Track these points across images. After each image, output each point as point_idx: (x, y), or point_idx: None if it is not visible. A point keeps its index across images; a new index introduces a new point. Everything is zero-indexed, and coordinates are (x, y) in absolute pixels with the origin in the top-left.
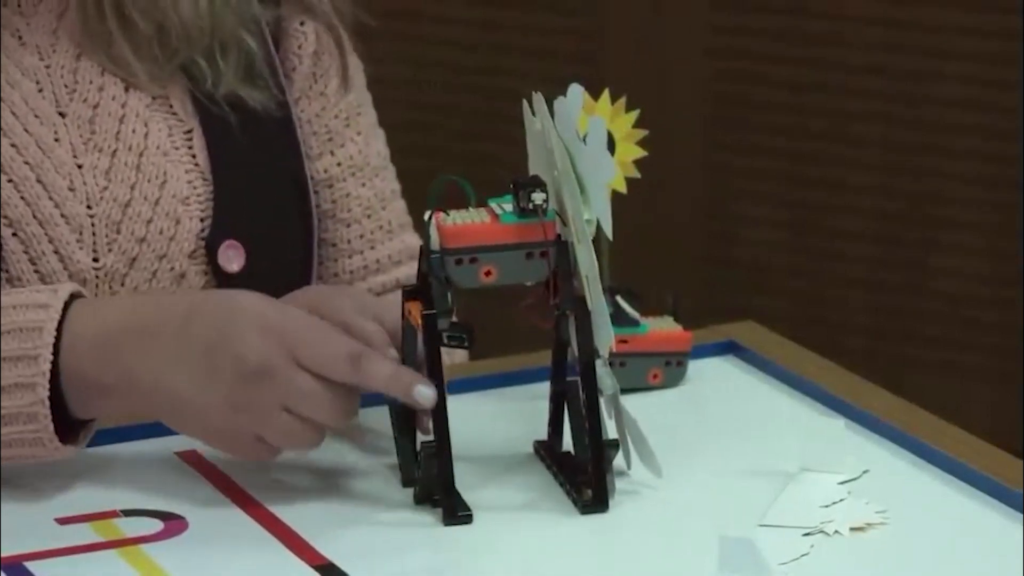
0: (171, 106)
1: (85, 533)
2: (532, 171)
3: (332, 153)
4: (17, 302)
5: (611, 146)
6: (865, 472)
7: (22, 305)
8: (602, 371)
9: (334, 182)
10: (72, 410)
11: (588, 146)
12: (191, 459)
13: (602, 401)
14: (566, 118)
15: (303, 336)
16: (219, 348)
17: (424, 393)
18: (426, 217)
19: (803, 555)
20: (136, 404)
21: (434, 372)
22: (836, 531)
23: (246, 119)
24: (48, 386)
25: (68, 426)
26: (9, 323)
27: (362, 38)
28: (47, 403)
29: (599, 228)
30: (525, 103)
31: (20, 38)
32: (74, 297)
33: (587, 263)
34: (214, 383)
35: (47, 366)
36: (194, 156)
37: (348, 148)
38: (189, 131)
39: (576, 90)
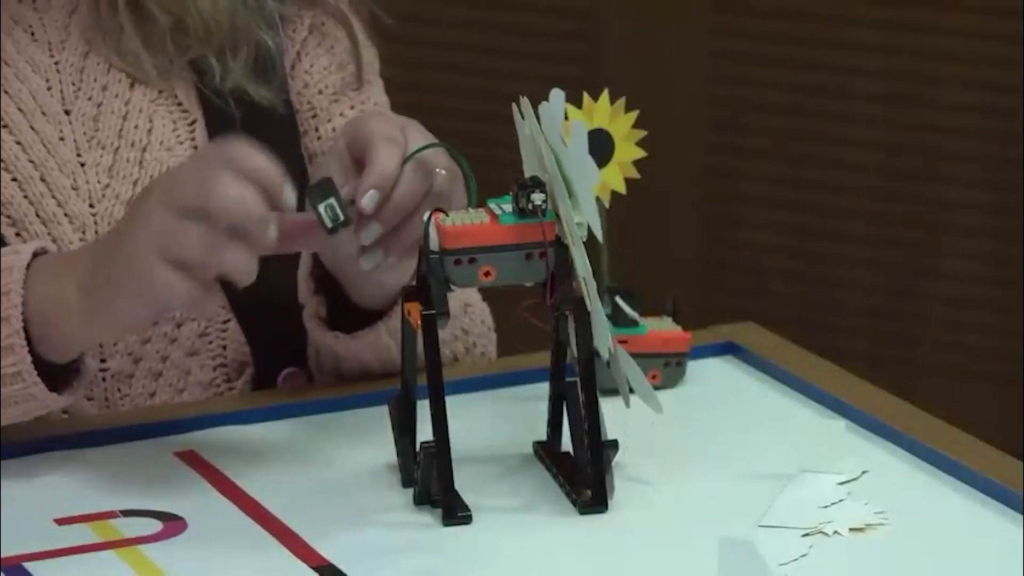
0: (176, 96)
1: (84, 534)
2: (527, 174)
3: (316, 129)
4: None
5: (610, 147)
6: (864, 473)
7: None
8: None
9: (314, 157)
10: (38, 346)
11: (570, 151)
12: (190, 459)
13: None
14: (550, 122)
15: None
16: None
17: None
18: (424, 218)
19: (802, 556)
20: (84, 309)
21: (433, 373)
22: (835, 532)
23: (251, 112)
24: (22, 319)
25: (48, 378)
26: None
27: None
28: (23, 334)
29: (592, 231)
30: (515, 107)
31: (32, 34)
32: (36, 255)
33: (581, 265)
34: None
35: (18, 299)
36: (196, 148)
37: (335, 122)
38: (193, 122)
39: (557, 95)
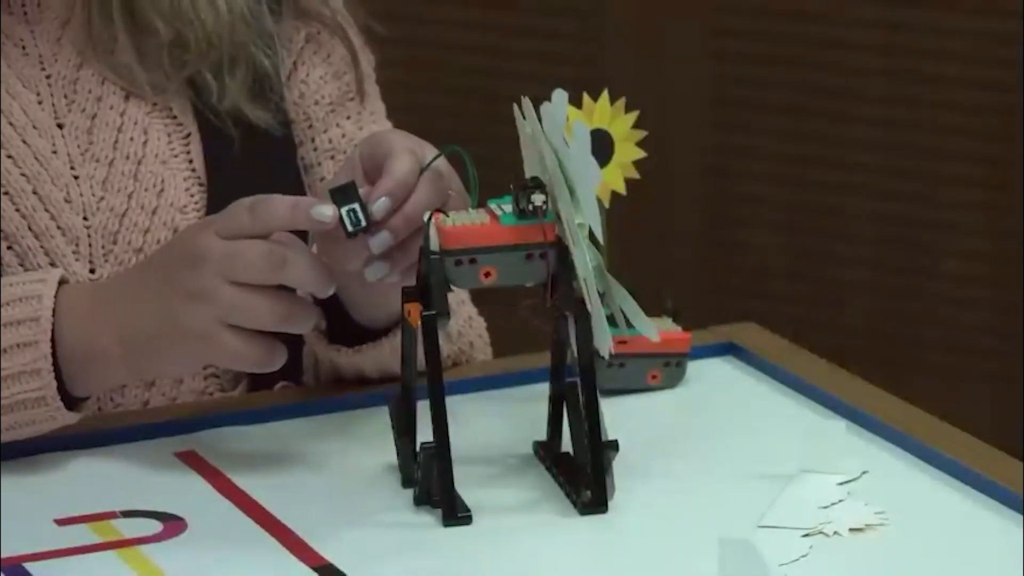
0: (171, 108)
1: (84, 534)
2: (528, 174)
3: (313, 140)
4: (13, 280)
5: (611, 147)
6: (864, 473)
7: (19, 282)
8: (578, 253)
9: (309, 168)
10: (67, 383)
11: (572, 152)
12: (190, 460)
13: (586, 279)
14: (552, 123)
15: (223, 252)
16: (161, 279)
17: (321, 211)
18: (425, 218)
19: (802, 556)
20: (125, 358)
21: (433, 373)
22: (835, 532)
23: (248, 131)
24: (51, 344)
25: (65, 403)
26: (8, 294)
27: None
28: (50, 358)
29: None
30: (516, 107)
31: (23, 48)
32: (62, 282)
33: (583, 266)
34: (166, 314)
35: (48, 325)
36: (191, 161)
37: (331, 132)
38: (188, 135)
39: (560, 95)
